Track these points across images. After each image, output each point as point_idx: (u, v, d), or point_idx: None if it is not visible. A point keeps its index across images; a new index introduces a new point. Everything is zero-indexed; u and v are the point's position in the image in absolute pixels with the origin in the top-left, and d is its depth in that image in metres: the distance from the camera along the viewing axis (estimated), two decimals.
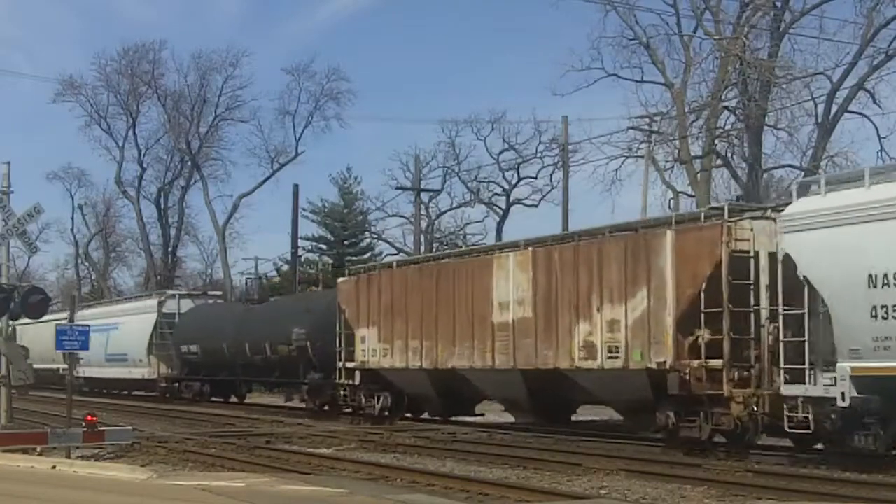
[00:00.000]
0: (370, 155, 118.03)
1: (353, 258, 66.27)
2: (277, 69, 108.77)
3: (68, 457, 18.58)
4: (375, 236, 68.89)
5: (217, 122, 70.67)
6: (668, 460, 18.88)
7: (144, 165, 73.64)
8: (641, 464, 18.30)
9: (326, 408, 32.78)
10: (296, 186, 58.82)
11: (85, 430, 18.90)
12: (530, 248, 24.43)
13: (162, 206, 74.74)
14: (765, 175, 46.33)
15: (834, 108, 42.15)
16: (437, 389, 27.78)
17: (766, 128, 43.52)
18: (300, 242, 61.85)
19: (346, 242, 68.24)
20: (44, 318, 50.85)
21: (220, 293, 51.09)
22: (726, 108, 44.74)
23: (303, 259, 63.58)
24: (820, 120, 42.38)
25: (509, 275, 24.39)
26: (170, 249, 75.16)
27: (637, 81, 46.18)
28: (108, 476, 15.10)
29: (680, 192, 46.62)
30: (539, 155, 60.76)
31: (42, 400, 39.59)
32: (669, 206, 46.70)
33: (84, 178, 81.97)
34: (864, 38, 40.55)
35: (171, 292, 48.45)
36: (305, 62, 69.02)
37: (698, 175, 44.39)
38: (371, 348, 29.02)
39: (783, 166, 46.31)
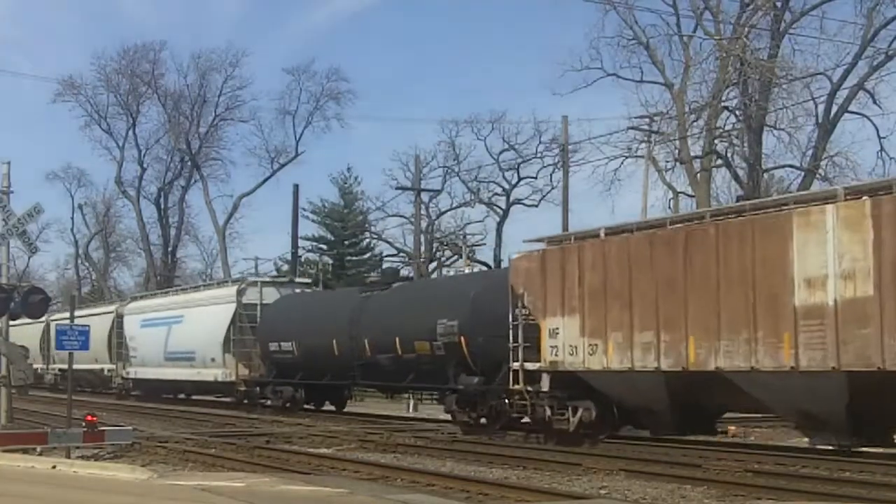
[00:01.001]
0: (370, 155, 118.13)
1: (353, 258, 66.37)
2: (278, 69, 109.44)
3: (68, 457, 18.58)
4: (375, 236, 68.96)
5: (217, 122, 70.90)
6: (667, 460, 18.87)
7: (144, 165, 73.86)
8: (641, 464, 18.28)
9: (484, 421, 26.02)
10: (296, 186, 58.95)
11: (85, 430, 18.92)
12: (866, 199, 17.25)
13: (162, 206, 74.89)
14: (765, 175, 46.38)
15: (834, 109, 42.24)
16: (673, 399, 20.56)
17: (766, 128, 43.56)
18: (300, 242, 62.01)
19: (346, 242, 68.24)
20: (83, 313, 48.29)
21: (308, 280, 44.17)
22: (726, 108, 44.79)
23: (303, 259, 63.69)
24: (820, 120, 42.44)
25: (826, 237, 17.39)
26: (170, 249, 75.23)
27: (637, 81, 46.29)
28: (108, 476, 15.10)
29: (680, 193, 46.75)
30: (539, 155, 60.85)
31: (42, 400, 39.55)
32: (669, 206, 46.83)
33: (84, 178, 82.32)
34: (864, 38, 40.61)
35: (252, 278, 41.04)
36: (306, 62, 69.27)
37: (698, 175, 44.41)
38: (568, 344, 22.01)
39: (783, 166, 46.41)
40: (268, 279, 40.92)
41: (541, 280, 22.91)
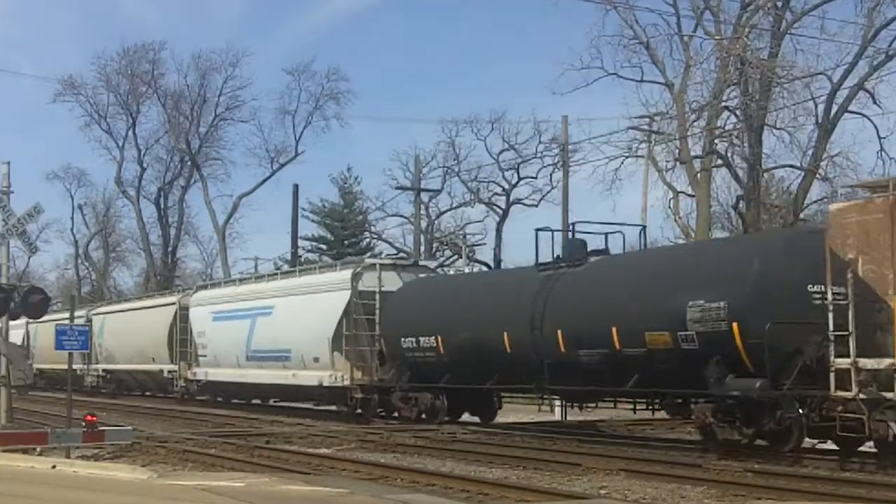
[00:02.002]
0: (370, 155, 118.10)
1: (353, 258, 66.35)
2: (277, 69, 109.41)
3: (68, 457, 18.58)
4: (375, 236, 69.01)
5: (217, 122, 70.88)
6: (667, 460, 18.86)
7: (144, 165, 73.86)
8: (641, 464, 18.28)
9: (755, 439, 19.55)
10: (296, 186, 58.91)
11: (85, 430, 18.93)
12: None
13: (162, 205, 74.88)
14: (765, 175, 46.35)
15: (834, 109, 42.17)
16: None
17: (766, 128, 43.51)
18: (300, 242, 61.98)
19: (345, 242, 68.26)
20: (122, 307, 50.14)
21: (433, 263, 37.25)
22: (727, 108, 44.73)
23: (303, 259, 63.60)
24: (820, 120, 42.38)
25: None
26: (170, 249, 75.20)
27: (637, 81, 46.17)
28: (108, 476, 15.09)
29: (680, 193, 46.69)
30: (539, 155, 60.81)
31: (44, 400, 39.56)
32: (669, 206, 46.82)
33: (84, 178, 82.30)
34: (864, 38, 40.56)
35: (370, 261, 32.57)
36: (305, 62, 69.20)
37: (698, 175, 44.37)
38: None
39: (784, 166, 46.34)
40: (387, 261, 33.06)
41: (890, 239, 16.88)
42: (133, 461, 19.46)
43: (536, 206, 62.09)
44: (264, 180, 69.36)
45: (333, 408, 32.80)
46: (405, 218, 64.61)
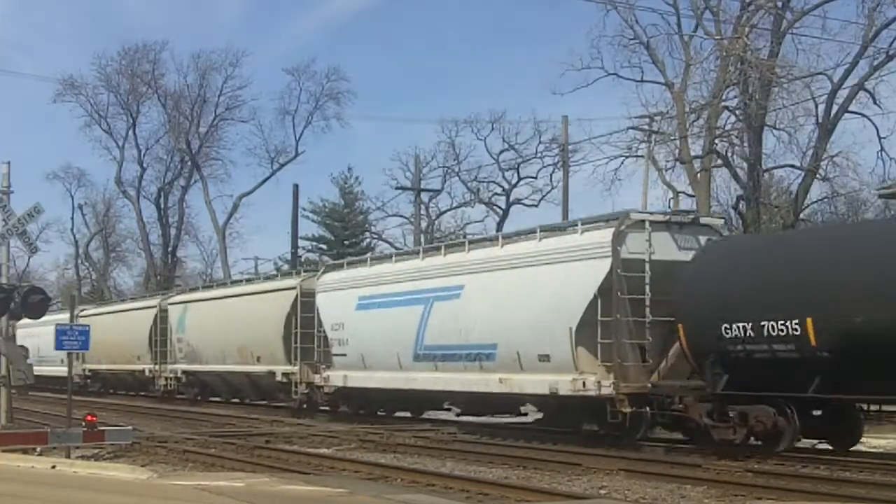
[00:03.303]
0: (370, 155, 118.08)
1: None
2: (278, 69, 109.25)
3: (68, 457, 18.60)
4: (375, 236, 69.03)
5: (217, 122, 70.80)
6: (668, 460, 18.86)
7: (144, 165, 73.80)
8: (641, 464, 18.28)
9: None
10: (296, 186, 58.86)
11: (85, 430, 18.95)
12: None
13: (162, 206, 74.81)
14: (765, 175, 46.35)
15: (834, 109, 42.15)
16: None
17: (766, 128, 43.49)
18: (300, 242, 61.91)
19: (346, 242, 68.24)
20: (214, 293, 40.19)
21: (718, 221, 24.63)
22: (727, 107, 44.69)
23: (303, 259, 63.61)
24: (820, 120, 42.37)
25: None
26: (170, 249, 75.16)
27: (637, 81, 46.12)
28: (108, 476, 15.10)
29: (680, 192, 46.62)
30: (539, 155, 60.78)
31: (44, 401, 39.46)
32: (669, 206, 46.77)
33: (84, 178, 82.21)
34: (865, 38, 40.54)
35: (636, 215, 22.62)
36: (306, 62, 69.17)
37: (698, 175, 44.33)
38: None
39: (784, 166, 46.30)
40: (659, 217, 22.99)
41: None
42: (133, 461, 19.47)
43: (536, 206, 62.09)
44: (264, 180, 69.41)
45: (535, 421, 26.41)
46: (405, 218, 64.68)
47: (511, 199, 62.84)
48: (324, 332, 30.87)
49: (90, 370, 49.81)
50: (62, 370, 47.15)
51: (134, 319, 45.72)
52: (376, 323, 28.44)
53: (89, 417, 19.59)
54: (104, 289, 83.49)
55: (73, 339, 20.95)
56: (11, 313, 23.87)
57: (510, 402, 26.38)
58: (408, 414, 30.75)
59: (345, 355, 29.78)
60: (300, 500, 13.34)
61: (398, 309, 27.62)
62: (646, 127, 45.63)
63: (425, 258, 27.91)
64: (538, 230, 24.33)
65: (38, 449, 18.93)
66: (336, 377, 30.32)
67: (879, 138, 42.79)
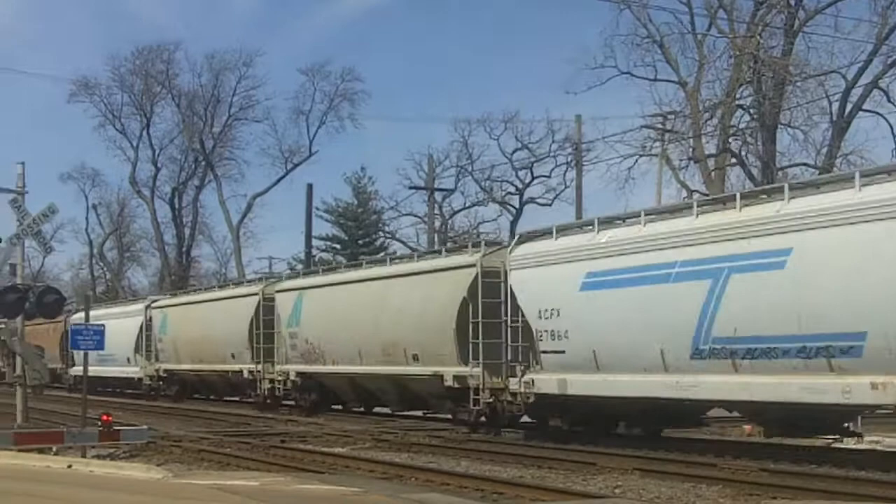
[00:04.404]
0: (384, 154, 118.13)
1: (367, 258, 66.45)
2: (292, 69, 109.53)
3: (84, 456, 18.63)
4: (389, 235, 68.98)
5: (231, 122, 71.09)
6: (682, 459, 18.82)
7: (158, 165, 74.09)
8: (656, 463, 18.25)
9: None
10: (309, 186, 58.93)
11: (101, 429, 19.01)
12: None
13: (176, 205, 75.05)
14: (779, 173, 46.26)
15: (848, 107, 42.09)
16: None
17: (780, 126, 43.45)
18: (314, 242, 61.90)
19: (359, 242, 68.27)
20: (302, 284, 33.42)
21: None
22: (740, 106, 44.69)
23: (317, 258, 63.64)
24: (834, 118, 42.29)
25: None
26: (184, 249, 75.36)
27: (651, 80, 46.17)
28: (124, 475, 15.11)
29: (694, 191, 46.56)
30: (552, 154, 60.63)
31: (60, 400, 39.61)
32: None
33: (98, 178, 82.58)
34: (878, 36, 40.47)
35: None
36: (320, 62, 69.29)
37: (712, 174, 44.31)
38: None
39: (798, 165, 46.16)
40: None
41: None
42: (148, 460, 19.51)
43: (550, 205, 61.96)
44: (278, 180, 69.59)
45: None
46: (419, 217, 64.63)
47: (524, 198, 62.78)
48: (521, 321, 23.23)
49: (165, 370, 43.52)
50: (129, 370, 46.03)
51: (228, 310, 37.68)
52: (618, 308, 20.86)
53: (105, 417, 19.65)
54: (118, 289, 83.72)
55: (87, 338, 21.02)
56: (26, 313, 23.93)
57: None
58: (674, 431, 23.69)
59: (562, 352, 22.12)
60: (315, 500, 13.34)
61: (660, 287, 20.01)
62: (659, 126, 45.64)
63: (702, 215, 19.94)
64: None
65: (54, 448, 18.97)
66: (546, 382, 22.54)
67: (893, 136, 42.73)
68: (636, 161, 47.80)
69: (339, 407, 33.35)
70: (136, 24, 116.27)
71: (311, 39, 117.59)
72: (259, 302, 35.23)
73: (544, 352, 22.53)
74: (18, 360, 24.56)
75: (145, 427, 22.73)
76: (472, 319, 24.61)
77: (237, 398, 39.36)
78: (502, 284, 24.06)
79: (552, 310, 22.32)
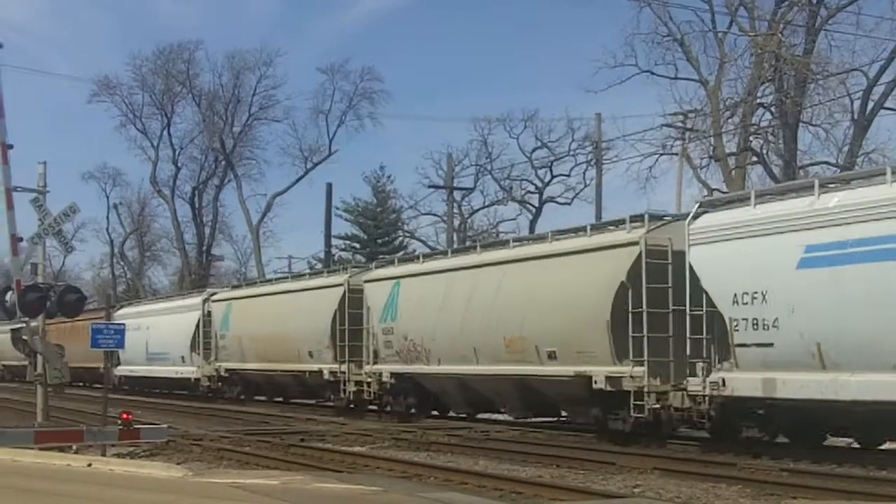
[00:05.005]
0: (403, 154, 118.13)
1: (386, 257, 66.48)
2: (311, 68, 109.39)
3: (104, 455, 18.69)
4: (408, 234, 69.08)
5: (251, 122, 71.30)
6: (702, 459, 18.76)
7: (179, 165, 74.38)
8: (675, 462, 18.20)
9: None
10: (329, 185, 59.04)
11: (121, 428, 19.08)
12: None
13: (196, 205, 75.32)
14: (801, 172, 46.08)
15: (870, 105, 41.86)
16: None
17: (801, 125, 43.25)
18: (333, 241, 61.99)
19: (378, 241, 68.35)
20: (399, 272, 28.69)
21: None
22: (761, 104, 44.51)
23: (336, 258, 63.75)
24: (856, 116, 42.08)
25: None
26: (204, 248, 75.57)
27: (671, 78, 46.07)
28: (144, 474, 15.16)
29: (714, 190, 46.41)
30: (572, 153, 60.73)
31: (79, 399, 39.63)
32: None
33: (119, 177, 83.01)
34: None
35: None
36: (340, 62, 69.43)
37: (733, 172, 44.16)
38: None
39: (819, 163, 45.94)
40: None
41: None
42: (168, 459, 19.57)
43: (570, 203, 62.00)
44: (298, 179, 69.76)
45: None
46: (438, 216, 64.74)
47: (544, 197, 62.85)
48: (705, 309, 19.45)
49: (227, 370, 39.60)
50: (183, 370, 42.47)
51: (305, 304, 33.95)
52: (855, 289, 16.82)
53: (125, 415, 19.73)
54: (139, 288, 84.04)
55: (108, 337, 21.10)
56: (47, 312, 24.02)
57: None
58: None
59: (769, 345, 18.11)
60: (334, 499, 13.35)
61: None
62: (680, 124, 45.50)
63: None
64: None
65: (74, 447, 19.05)
66: (744, 382, 18.62)
67: None
68: (657, 160, 47.77)
69: (437, 412, 29.52)
70: (156, 24, 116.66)
71: (331, 39, 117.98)
72: (344, 294, 31.61)
73: (741, 345, 18.56)
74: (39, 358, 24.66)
75: (165, 426, 22.80)
76: (632, 309, 20.91)
77: (312, 401, 35.90)
78: (669, 266, 20.54)
79: (756, 293, 18.35)
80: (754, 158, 45.56)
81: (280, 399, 38.61)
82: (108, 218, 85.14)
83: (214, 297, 41.52)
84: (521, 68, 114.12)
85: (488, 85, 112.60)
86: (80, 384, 48.57)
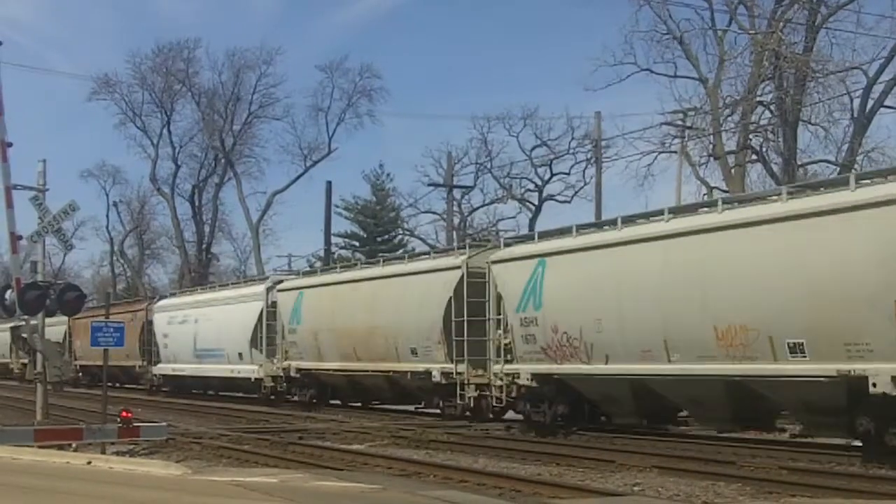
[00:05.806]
0: (402, 152, 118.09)
1: (386, 255, 66.51)
2: (311, 66, 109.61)
3: (103, 452, 18.71)
4: (408, 233, 69.08)
5: (250, 120, 71.22)
6: (701, 457, 18.77)
7: (179, 163, 74.31)
8: (675, 460, 18.21)
9: None
10: (329, 183, 58.99)
11: (120, 426, 19.08)
12: None
13: (196, 203, 75.27)
14: (800, 170, 46.10)
15: (870, 103, 41.86)
16: None
17: (801, 123, 43.25)
18: (333, 239, 61.97)
19: (378, 239, 68.39)
20: (543, 249, 23.36)
21: None
22: (761, 103, 44.50)
23: (336, 255, 63.76)
24: (856, 115, 42.09)
25: None
26: (204, 246, 75.56)
27: (670, 76, 46.08)
28: (143, 472, 15.15)
29: (714, 188, 46.45)
30: (571, 151, 60.69)
31: (80, 397, 39.62)
32: None
33: (119, 175, 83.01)
34: None
35: None
36: (339, 59, 69.37)
37: (733, 170, 44.15)
38: None
39: (818, 161, 46.00)
40: None
41: None
42: (167, 457, 19.59)
43: (569, 202, 62.02)
44: (297, 177, 69.71)
45: None
46: (437, 214, 64.74)
47: (544, 195, 62.80)
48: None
49: (298, 370, 34.46)
50: (242, 369, 37.02)
51: (407, 291, 29.05)
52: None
53: (124, 413, 19.73)
54: (139, 285, 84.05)
55: (108, 335, 21.11)
56: (47, 310, 24.02)
57: None
58: None
59: None
60: (333, 496, 13.35)
61: None
62: (679, 122, 45.48)
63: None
64: None
65: (74, 445, 19.06)
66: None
67: None
68: (656, 158, 47.80)
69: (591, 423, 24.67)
70: (156, 22, 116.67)
71: (331, 37, 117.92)
72: (462, 278, 26.67)
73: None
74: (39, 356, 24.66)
75: (164, 424, 22.81)
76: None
77: (412, 406, 30.97)
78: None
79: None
80: (754, 157, 45.56)
81: (358, 404, 33.96)
82: (107, 216, 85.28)
83: (281, 286, 36.13)
84: (521, 66, 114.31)
85: (488, 83, 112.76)
86: (115, 384, 44.35)
